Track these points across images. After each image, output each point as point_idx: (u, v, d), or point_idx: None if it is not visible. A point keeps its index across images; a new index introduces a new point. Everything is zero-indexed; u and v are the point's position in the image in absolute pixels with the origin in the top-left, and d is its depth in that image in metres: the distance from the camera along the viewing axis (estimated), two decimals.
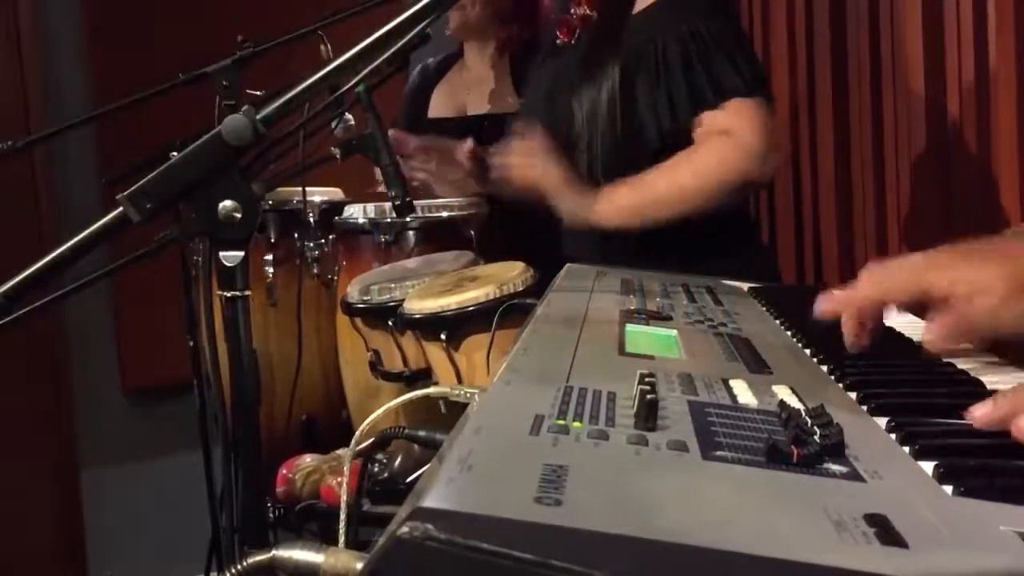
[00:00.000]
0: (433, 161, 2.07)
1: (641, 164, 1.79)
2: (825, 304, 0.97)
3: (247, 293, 1.11)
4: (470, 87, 2.69)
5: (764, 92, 1.79)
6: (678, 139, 1.79)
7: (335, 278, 2.31)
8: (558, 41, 1.99)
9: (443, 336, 1.74)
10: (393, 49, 1.11)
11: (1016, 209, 2.00)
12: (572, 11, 1.96)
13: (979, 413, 0.74)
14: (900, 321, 1.28)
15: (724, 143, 1.76)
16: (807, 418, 0.69)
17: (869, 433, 0.72)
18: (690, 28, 1.75)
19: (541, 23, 2.67)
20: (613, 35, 1.84)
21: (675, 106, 1.77)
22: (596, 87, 1.81)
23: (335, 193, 2.48)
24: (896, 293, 0.92)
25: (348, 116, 1.79)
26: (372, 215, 2.26)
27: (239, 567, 0.66)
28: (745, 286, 1.55)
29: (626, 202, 1.79)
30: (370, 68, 1.17)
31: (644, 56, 1.77)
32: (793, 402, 0.76)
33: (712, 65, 1.75)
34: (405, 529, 0.46)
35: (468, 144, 2.02)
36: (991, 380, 0.91)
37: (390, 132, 1.98)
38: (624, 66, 1.78)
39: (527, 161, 1.85)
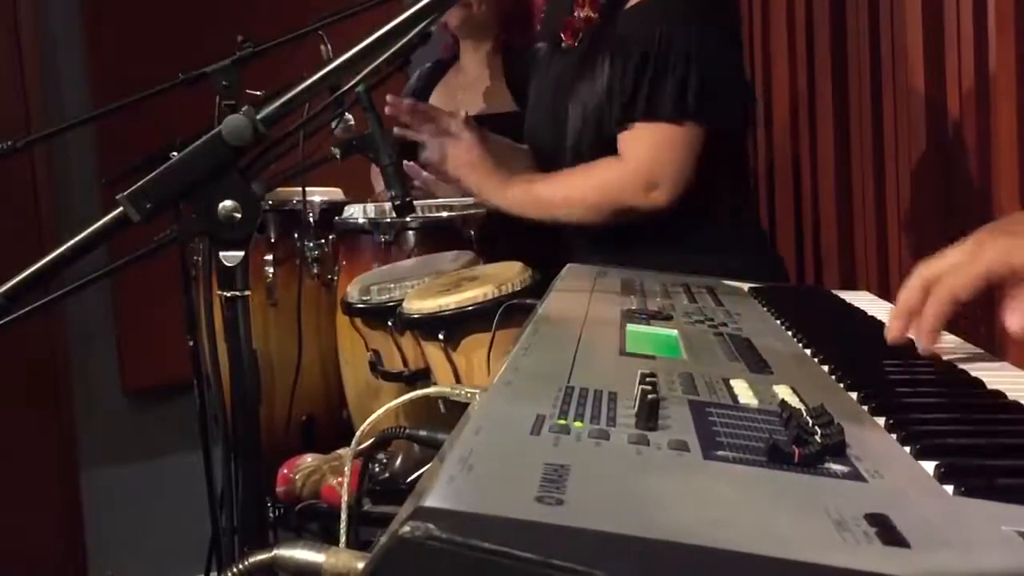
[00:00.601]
0: (427, 129, 2.08)
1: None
2: (895, 333, 0.97)
3: (247, 293, 1.11)
4: (465, 88, 2.69)
5: (697, 118, 1.75)
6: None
7: (335, 278, 2.31)
8: (563, 44, 1.99)
9: (441, 336, 1.74)
10: (393, 49, 1.11)
11: (1016, 209, 1.99)
12: (576, 13, 1.96)
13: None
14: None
15: (613, 167, 1.78)
16: (808, 418, 0.69)
17: (870, 433, 0.72)
18: (662, 31, 1.73)
19: (534, 23, 2.69)
20: (606, 35, 1.84)
21: (620, 109, 1.76)
22: (588, 85, 1.81)
23: (335, 193, 2.48)
24: (966, 298, 0.91)
25: (348, 116, 1.79)
26: (372, 215, 2.26)
27: (241, 566, 0.66)
28: (745, 286, 1.55)
29: (520, 196, 1.86)
30: (370, 68, 1.17)
31: (620, 53, 1.77)
32: (794, 402, 0.76)
33: (661, 76, 1.72)
34: (406, 528, 0.46)
35: (462, 114, 2.03)
36: (991, 380, 0.91)
37: (388, 97, 2.00)
38: (609, 63, 1.78)
39: (444, 143, 1.91)
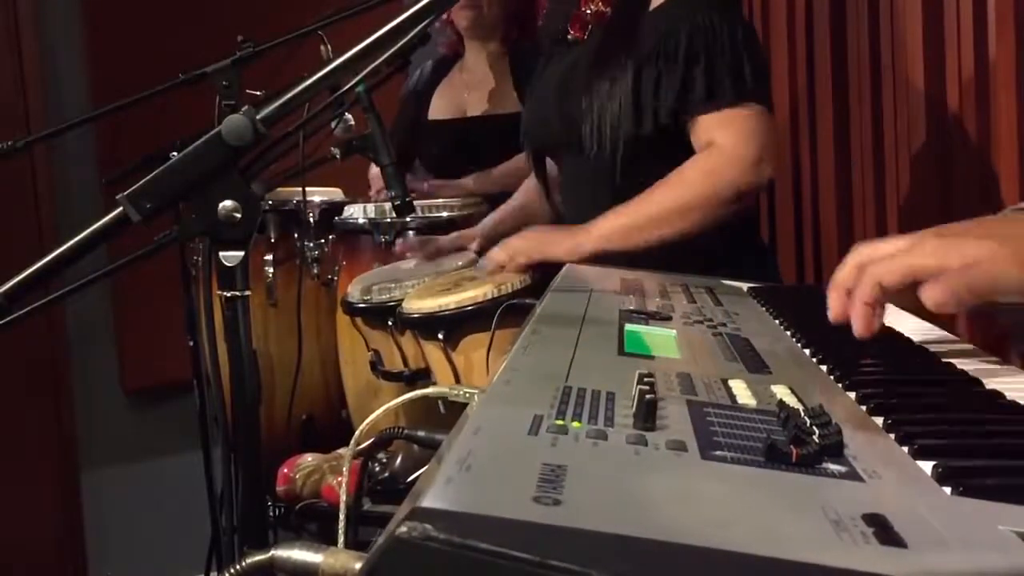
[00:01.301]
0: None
1: (649, 162, 1.79)
2: (834, 312, 0.96)
3: (247, 293, 1.11)
4: (470, 88, 2.69)
5: (763, 97, 1.78)
6: (675, 136, 1.78)
7: (335, 278, 2.32)
8: (569, 37, 1.98)
9: (441, 336, 1.74)
10: (393, 49, 1.11)
11: None
12: (584, 7, 1.95)
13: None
14: (907, 326, 1.28)
15: (713, 156, 1.75)
16: (806, 418, 0.69)
17: (868, 433, 0.72)
18: (703, 20, 1.73)
19: (537, 20, 2.69)
20: (627, 32, 1.83)
21: (674, 98, 1.75)
22: (608, 83, 1.79)
23: (335, 193, 2.48)
24: (891, 285, 0.90)
25: (348, 116, 1.79)
26: (372, 215, 2.27)
27: (238, 567, 0.66)
28: (745, 286, 1.55)
29: (622, 224, 1.75)
30: (370, 68, 1.17)
31: (657, 52, 1.76)
32: (792, 402, 0.76)
33: (715, 64, 1.73)
34: (404, 529, 0.46)
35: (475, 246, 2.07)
36: (990, 380, 0.91)
37: (397, 243, 2.06)
38: (637, 64, 1.77)
39: (499, 256, 1.81)
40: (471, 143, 2.62)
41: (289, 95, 1.07)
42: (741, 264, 1.86)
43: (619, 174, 1.81)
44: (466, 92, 2.69)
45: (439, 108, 2.72)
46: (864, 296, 0.90)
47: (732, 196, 1.74)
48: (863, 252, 0.94)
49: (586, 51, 1.89)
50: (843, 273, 0.94)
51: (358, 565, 0.63)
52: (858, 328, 0.91)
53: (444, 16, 2.58)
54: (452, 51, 2.77)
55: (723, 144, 1.74)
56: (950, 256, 0.86)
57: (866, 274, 0.91)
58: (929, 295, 0.86)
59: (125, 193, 1.01)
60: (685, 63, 1.74)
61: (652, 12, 1.82)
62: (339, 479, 1.81)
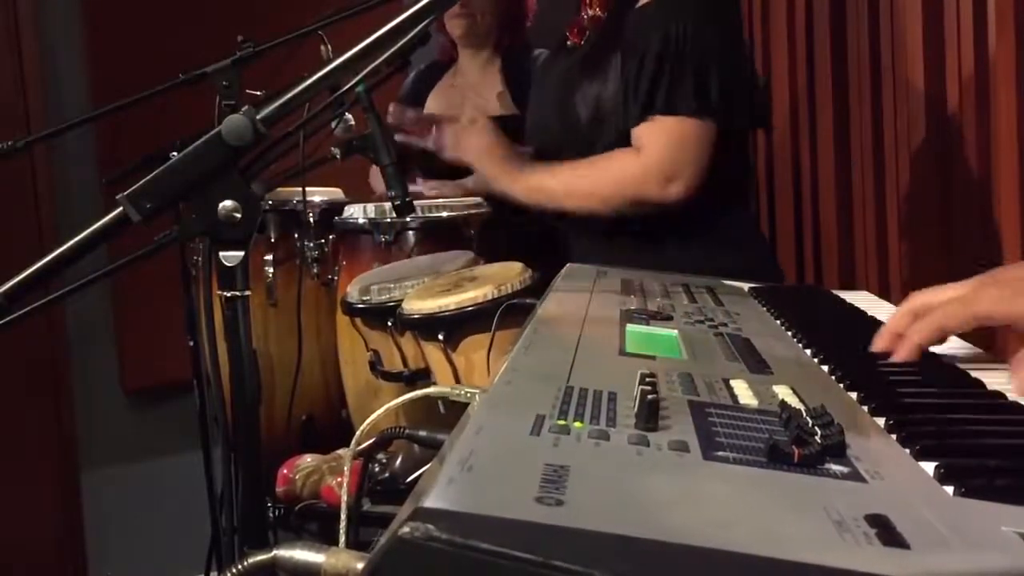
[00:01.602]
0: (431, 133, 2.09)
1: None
2: (881, 344, 0.99)
3: (247, 293, 1.11)
4: (464, 92, 2.69)
5: (714, 113, 1.76)
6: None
7: (335, 278, 2.31)
8: (568, 43, 1.99)
9: (441, 336, 1.74)
10: (393, 49, 1.11)
11: (1016, 208, 2.00)
12: (583, 13, 1.96)
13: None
14: None
15: (629, 159, 1.78)
16: (808, 418, 0.69)
17: (870, 433, 0.72)
18: (678, 28, 1.74)
19: (526, 22, 2.70)
20: (615, 32, 1.84)
21: (637, 104, 1.76)
22: (599, 84, 1.81)
23: (335, 193, 2.48)
24: (952, 330, 0.94)
25: (348, 116, 1.79)
26: (372, 215, 2.26)
27: (240, 567, 0.66)
28: (745, 286, 1.55)
29: (533, 185, 1.87)
30: (370, 68, 1.17)
31: (635, 51, 1.77)
32: (794, 402, 0.76)
33: (679, 72, 1.73)
34: (406, 529, 0.46)
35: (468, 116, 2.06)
36: (991, 381, 0.91)
37: (391, 106, 2.03)
38: (622, 61, 1.78)
39: (461, 128, 1.94)
40: None
41: (289, 95, 1.07)
42: (742, 259, 1.86)
43: None
44: (461, 96, 2.70)
45: (434, 112, 2.72)
46: (922, 336, 0.93)
47: (631, 203, 1.80)
48: (919, 299, 0.98)
49: (583, 56, 1.90)
50: (897, 319, 0.98)
51: (360, 565, 0.63)
52: (899, 356, 0.95)
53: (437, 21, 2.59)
54: (446, 56, 2.77)
55: (645, 151, 1.77)
56: (1016, 304, 0.88)
57: (928, 318, 0.94)
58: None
59: (125, 193, 1.01)
60: (652, 67, 1.75)
61: (636, 10, 1.83)
62: (339, 480, 1.81)
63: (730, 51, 1.80)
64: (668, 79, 1.74)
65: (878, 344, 0.99)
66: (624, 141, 1.80)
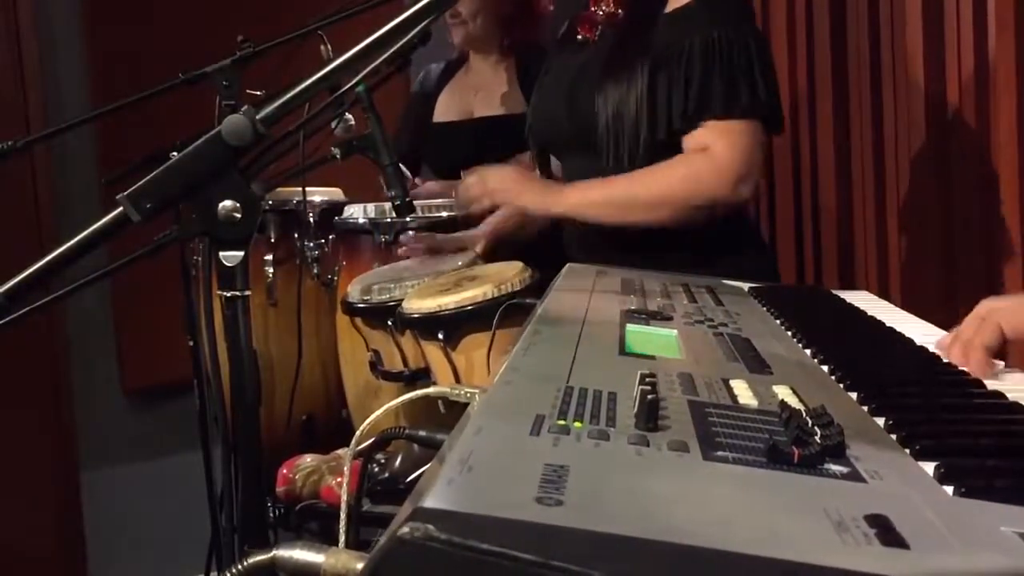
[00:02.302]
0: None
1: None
2: (952, 356, 1.02)
3: (247, 293, 1.11)
4: (477, 90, 2.69)
5: (766, 114, 1.78)
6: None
7: (335, 278, 2.31)
8: (578, 36, 1.97)
9: (440, 336, 1.74)
10: (393, 49, 1.11)
11: (1016, 208, 2.00)
12: (595, 7, 1.95)
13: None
14: (908, 328, 1.28)
15: (700, 160, 1.76)
16: (808, 418, 0.69)
17: (870, 433, 0.72)
18: (720, 33, 1.74)
19: (541, 21, 2.68)
20: (642, 34, 1.82)
21: (686, 107, 1.75)
22: (624, 86, 1.78)
23: (335, 193, 2.48)
24: (1007, 331, 0.98)
25: (348, 116, 1.79)
26: (372, 215, 2.26)
27: (240, 567, 0.66)
28: (745, 286, 1.55)
29: (595, 198, 1.81)
30: (370, 68, 1.17)
31: (672, 56, 1.76)
32: (794, 402, 0.76)
33: (727, 76, 1.73)
34: (406, 529, 0.46)
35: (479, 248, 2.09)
36: (990, 381, 0.91)
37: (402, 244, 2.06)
38: (653, 66, 1.77)
39: (474, 190, 1.88)
40: (477, 145, 2.62)
41: (289, 95, 1.07)
42: (740, 261, 1.86)
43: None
44: (473, 94, 2.69)
45: (445, 110, 2.72)
46: (985, 336, 0.98)
47: (706, 205, 1.77)
48: (985, 306, 1.03)
49: (598, 52, 1.88)
50: (966, 326, 1.03)
51: (360, 565, 0.63)
52: (972, 369, 0.98)
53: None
54: (459, 54, 2.77)
55: (715, 153, 1.75)
56: None
57: (990, 318, 0.99)
58: None
59: (125, 193, 1.01)
60: (700, 71, 1.74)
61: (669, 15, 1.82)
62: (338, 480, 1.81)
63: (766, 52, 1.81)
64: (720, 82, 1.73)
65: (950, 355, 1.03)
66: (650, 148, 1.77)
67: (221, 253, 1.08)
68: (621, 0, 1.90)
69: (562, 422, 0.65)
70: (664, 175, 1.77)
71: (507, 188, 1.85)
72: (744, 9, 1.82)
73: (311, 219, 2.34)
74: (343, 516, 0.99)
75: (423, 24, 1.12)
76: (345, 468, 1.09)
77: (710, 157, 1.75)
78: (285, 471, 1.91)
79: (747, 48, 1.74)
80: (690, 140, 1.77)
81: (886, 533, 0.50)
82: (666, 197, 1.76)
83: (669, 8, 1.82)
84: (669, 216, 1.77)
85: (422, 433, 1.08)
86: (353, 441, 1.05)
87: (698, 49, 1.74)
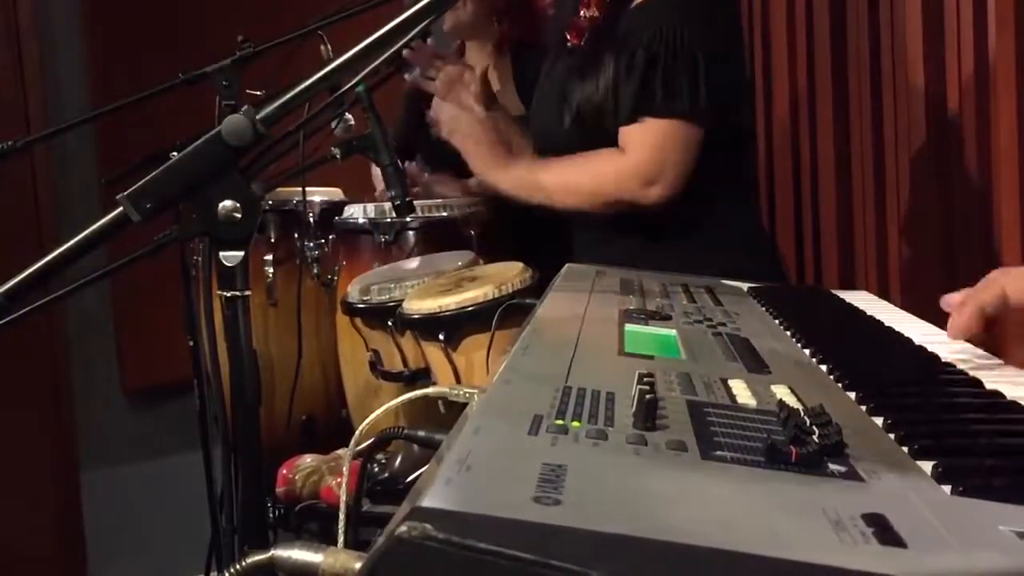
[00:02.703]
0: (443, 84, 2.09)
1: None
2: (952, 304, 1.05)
3: (247, 293, 1.11)
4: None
5: (701, 116, 1.75)
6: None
7: (335, 278, 2.31)
8: (568, 44, 1.99)
9: (441, 336, 1.74)
10: (393, 49, 1.11)
11: (1016, 208, 2.00)
12: (581, 13, 1.96)
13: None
14: (908, 328, 1.28)
15: (612, 158, 1.78)
16: (806, 418, 0.69)
17: (868, 433, 0.72)
18: (669, 28, 1.73)
19: (539, 21, 2.68)
20: (610, 33, 1.84)
21: (627, 102, 1.76)
22: (592, 86, 1.81)
23: (335, 193, 2.48)
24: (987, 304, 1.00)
25: (348, 116, 1.79)
26: (372, 215, 2.26)
27: (238, 567, 0.66)
28: (745, 286, 1.55)
29: (518, 178, 1.86)
30: (370, 68, 1.17)
31: (624, 51, 1.77)
32: (792, 402, 0.76)
33: (669, 74, 1.73)
34: (403, 529, 0.46)
35: (477, 73, 2.07)
36: (990, 380, 0.91)
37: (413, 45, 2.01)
38: (615, 62, 1.78)
39: (455, 114, 1.93)
40: None
41: (289, 95, 1.07)
42: (741, 255, 1.86)
43: None
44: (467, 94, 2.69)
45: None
46: (983, 298, 1.01)
47: (611, 202, 1.80)
48: (998, 271, 1.05)
49: (580, 57, 1.90)
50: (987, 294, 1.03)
51: (358, 565, 0.63)
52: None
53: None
54: (458, 50, 2.76)
55: (626, 153, 1.77)
56: None
57: (992, 284, 1.01)
58: None
59: (125, 193, 1.01)
60: (641, 69, 1.74)
61: (633, 8, 1.83)
62: (338, 480, 1.81)
63: (723, 53, 1.79)
64: (659, 79, 1.73)
65: (950, 305, 1.05)
66: (614, 142, 1.80)
67: (221, 253, 1.08)
68: (601, 4, 1.91)
69: (560, 422, 0.65)
70: (581, 168, 1.82)
71: (464, 134, 1.90)
72: (701, 6, 1.80)
73: (311, 219, 2.34)
74: (342, 516, 1.00)
75: (423, 24, 1.12)
76: (345, 468, 1.09)
77: (623, 156, 1.78)
78: (285, 471, 1.91)
79: (693, 46, 1.72)
80: (620, 136, 1.79)
81: (884, 532, 0.50)
82: (578, 189, 1.82)
83: (633, 3, 1.83)
84: (579, 206, 1.83)
85: (421, 433, 1.08)
86: (352, 441, 1.05)
87: (645, 45, 1.74)
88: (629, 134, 1.77)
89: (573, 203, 1.83)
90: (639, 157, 1.76)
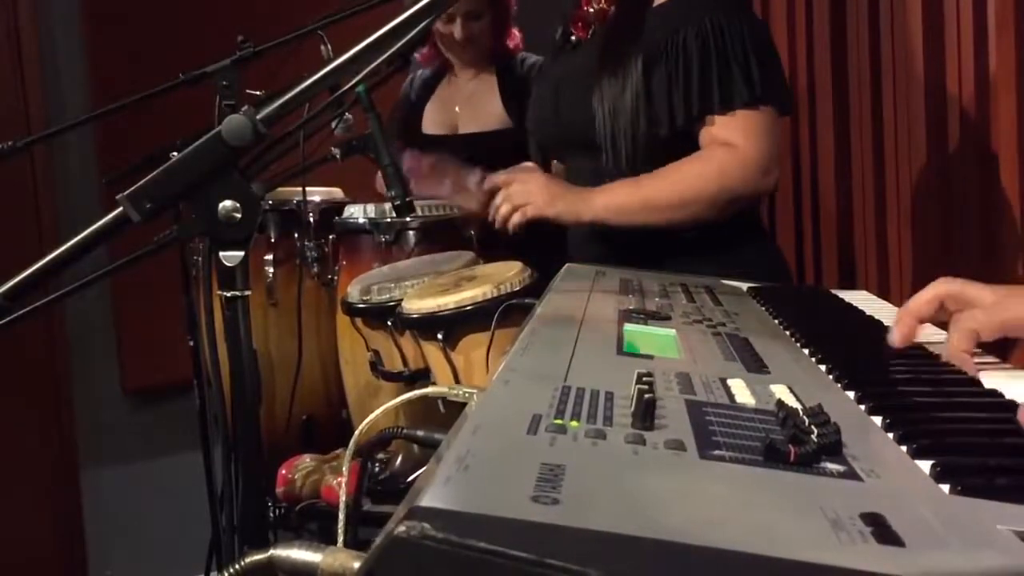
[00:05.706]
0: (446, 184, 2.06)
1: (662, 161, 1.77)
2: (901, 336, 1.02)
3: (247, 293, 1.11)
4: (459, 104, 2.70)
5: (776, 100, 1.76)
6: (690, 137, 1.77)
7: (335, 278, 2.32)
8: (572, 37, 1.96)
9: (440, 336, 1.74)
10: (393, 49, 1.11)
11: (1016, 208, 2.00)
12: (586, 6, 1.94)
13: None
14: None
15: (726, 154, 1.73)
16: (804, 417, 0.69)
17: (867, 432, 0.72)
18: (712, 22, 1.72)
19: (512, 29, 2.70)
20: (633, 29, 1.81)
21: (689, 102, 1.73)
22: (619, 84, 1.76)
23: (335, 193, 2.48)
24: (984, 338, 0.95)
25: (348, 116, 1.79)
26: (372, 215, 2.27)
27: (237, 566, 0.66)
28: (744, 286, 1.55)
29: (624, 202, 1.76)
30: (370, 68, 1.17)
31: (665, 49, 1.74)
32: (791, 401, 0.76)
33: (728, 65, 1.72)
34: (402, 528, 0.46)
35: (477, 177, 2.04)
36: (990, 380, 0.91)
37: (406, 156, 1.99)
38: (646, 61, 1.75)
39: (521, 187, 1.80)
40: (463, 160, 2.63)
41: (289, 95, 1.07)
42: (743, 252, 1.85)
43: (626, 173, 1.79)
44: (456, 107, 2.70)
45: (432, 123, 2.73)
46: (962, 345, 0.94)
47: (736, 198, 1.75)
48: (945, 288, 1.00)
49: (591, 51, 1.87)
50: (921, 303, 1.00)
51: (357, 564, 0.63)
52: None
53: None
54: (430, 64, 2.77)
55: (738, 145, 1.73)
56: None
57: (965, 322, 0.95)
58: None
59: (125, 193, 1.01)
60: (699, 64, 1.72)
61: (656, 8, 1.81)
62: (338, 480, 1.81)
63: (764, 35, 1.79)
64: (722, 73, 1.71)
65: (902, 330, 1.01)
66: (648, 145, 1.75)
67: (221, 253, 1.08)
68: None
69: (559, 421, 0.65)
70: (690, 172, 1.74)
71: (535, 201, 1.78)
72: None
73: (311, 219, 2.35)
74: (341, 515, 1.00)
75: (423, 24, 1.12)
76: (344, 468, 1.09)
77: (733, 150, 1.73)
78: (285, 471, 1.92)
79: (740, 37, 1.72)
80: (706, 135, 1.75)
81: (882, 531, 0.50)
82: (696, 195, 1.73)
83: (656, 1, 1.81)
84: (699, 213, 1.74)
85: (420, 433, 1.09)
86: (352, 441, 1.05)
87: (693, 41, 1.72)
88: (725, 129, 1.73)
89: (695, 212, 1.74)
90: (751, 147, 1.73)
